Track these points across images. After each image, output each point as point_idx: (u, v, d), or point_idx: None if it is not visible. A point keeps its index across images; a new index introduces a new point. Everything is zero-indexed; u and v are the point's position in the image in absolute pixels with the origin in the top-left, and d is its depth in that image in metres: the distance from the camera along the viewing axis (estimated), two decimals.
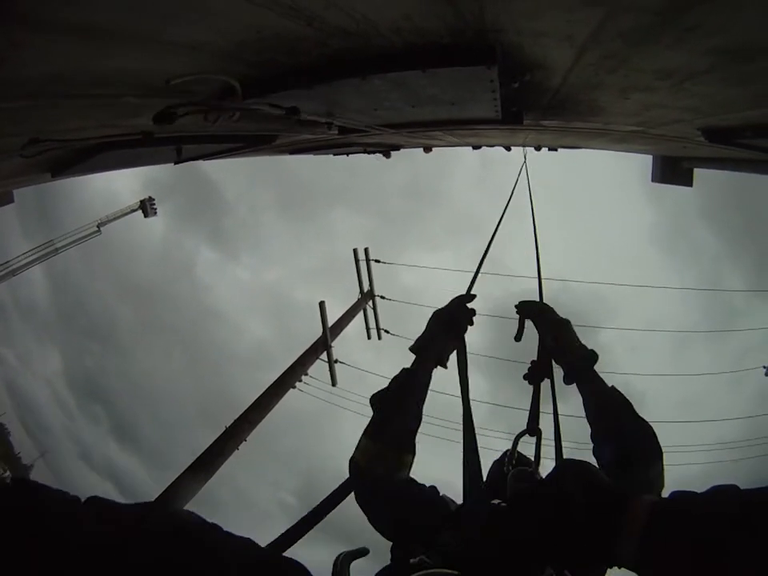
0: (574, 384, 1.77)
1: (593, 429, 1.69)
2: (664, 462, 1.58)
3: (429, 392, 1.78)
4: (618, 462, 1.56)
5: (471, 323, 1.93)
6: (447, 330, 1.88)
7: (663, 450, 1.58)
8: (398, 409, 1.68)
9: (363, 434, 1.66)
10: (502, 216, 2.93)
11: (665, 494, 0.95)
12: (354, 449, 1.67)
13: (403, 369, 1.80)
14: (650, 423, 1.64)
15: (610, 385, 1.73)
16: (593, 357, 1.77)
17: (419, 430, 1.70)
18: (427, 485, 1.67)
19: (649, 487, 1.48)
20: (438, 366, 1.85)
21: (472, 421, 1.57)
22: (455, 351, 1.88)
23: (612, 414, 1.66)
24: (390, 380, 1.80)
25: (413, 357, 1.84)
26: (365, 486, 1.60)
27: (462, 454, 1.46)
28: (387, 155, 7.02)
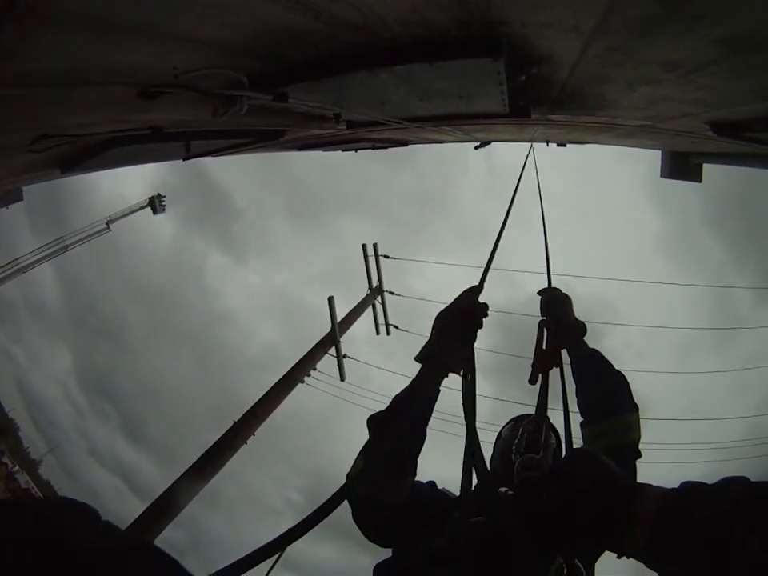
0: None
1: (576, 385, 1.91)
2: (639, 415, 1.81)
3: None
4: (596, 411, 1.82)
5: (481, 324, 1.65)
6: (455, 330, 1.63)
7: (638, 405, 1.83)
8: (395, 434, 1.52)
9: (360, 453, 1.57)
10: (511, 204, 2.74)
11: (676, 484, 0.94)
12: (353, 461, 1.57)
13: (408, 385, 1.63)
14: (626, 378, 1.88)
15: (592, 349, 1.95)
16: (583, 327, 1.98)
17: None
18: (425, 481, 1.65)
19: (626, 433, 1.76)
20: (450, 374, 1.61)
21: (479, 444, 1.46)
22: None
23: (593, 371, 1.90)
24: (391, 398, 1.63)
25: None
26: (358, 505, 1.53)
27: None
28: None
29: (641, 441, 1.78)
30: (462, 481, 1.42)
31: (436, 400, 1.59)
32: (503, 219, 2.44)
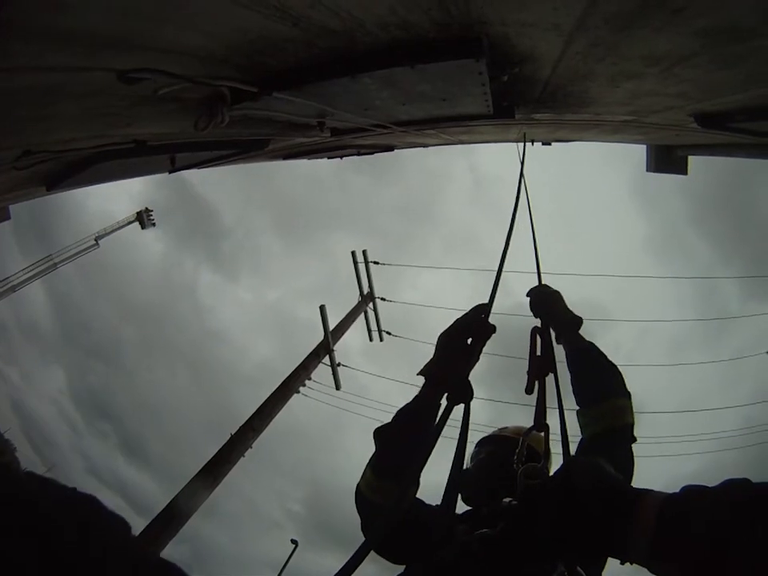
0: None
1: (572, 374, 1.93)
2: (632, 402, 1.84)
3: None
4: (591, 394, 1.85)
5: (486, 338, 1.63)
6: (456, 349, 1.64)
7: (630, 392, 1.86)
8: (400, 445, 1.58)
9: (367, 465, 1.65)
10: (515, 208, 2.63)
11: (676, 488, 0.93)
12: (362, 472, 1.65)
13: (413, 398, 1.67)
14: (619, 367, 1.92)
15: (588, 342, 1.97)
16: (578, 321, 2.01)
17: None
18: (430, 501, 1.66)
19: (621, 415, 1.78)
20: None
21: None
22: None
23: (588, 360, 1.93)
24: (387, 405, 1.70)
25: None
26: (366, 514, 1.60)
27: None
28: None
29: (635, 426, 1.81)
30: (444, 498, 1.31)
31: (438, 413, 1.59)
32: (507, 234, 2.30)
